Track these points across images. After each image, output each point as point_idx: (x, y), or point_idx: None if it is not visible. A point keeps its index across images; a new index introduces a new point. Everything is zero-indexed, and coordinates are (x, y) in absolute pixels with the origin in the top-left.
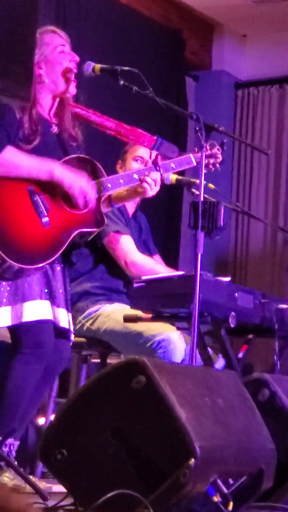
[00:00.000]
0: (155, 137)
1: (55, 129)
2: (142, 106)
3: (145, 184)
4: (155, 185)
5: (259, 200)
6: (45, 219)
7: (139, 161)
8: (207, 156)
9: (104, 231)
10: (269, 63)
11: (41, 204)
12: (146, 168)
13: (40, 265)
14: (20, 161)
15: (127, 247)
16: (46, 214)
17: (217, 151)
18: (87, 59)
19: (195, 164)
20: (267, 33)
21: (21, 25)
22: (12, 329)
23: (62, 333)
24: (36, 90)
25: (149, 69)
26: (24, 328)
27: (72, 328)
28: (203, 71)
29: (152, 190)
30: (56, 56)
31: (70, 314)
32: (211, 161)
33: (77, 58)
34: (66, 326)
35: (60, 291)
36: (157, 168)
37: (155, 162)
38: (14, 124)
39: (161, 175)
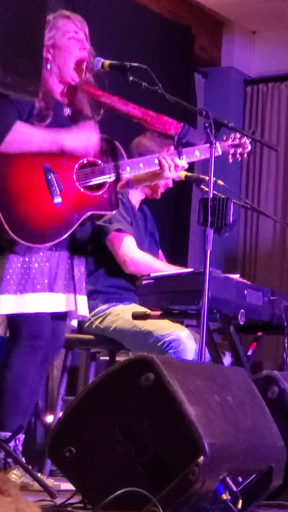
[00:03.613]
0: (182, 124)
1: (67, 111)
2: (150, 102)
3: (163, 162)
4: (174, 168)
5: (268, 196)
6: (58, 199)
7: None
8: (235, 146)
9: (106, 229)
10: (279, 60)
11: (55, 183)
12: (168, 153)
13: (48, 244)
14: (30, 137)
15: (127, 245)
16: (59, 193)
17: (246, 141)
18: (95, 54)
19: (220, 153)
20: (277, 29)
21: (29, 20)
22: (11, 319)
23: (59, 319)
24: (44, 73)
25: (157, 65)
26: (22, 319)
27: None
28: (212, 67)
29: (171, 171)
30: (65, 42)
31: (73, 296)
32: (239, 150)
33: (87, 46)
34: (64, 309)
35: (64, 277)
36: (179, 154)
37: (177, 147)
38: (27, 104)
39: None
